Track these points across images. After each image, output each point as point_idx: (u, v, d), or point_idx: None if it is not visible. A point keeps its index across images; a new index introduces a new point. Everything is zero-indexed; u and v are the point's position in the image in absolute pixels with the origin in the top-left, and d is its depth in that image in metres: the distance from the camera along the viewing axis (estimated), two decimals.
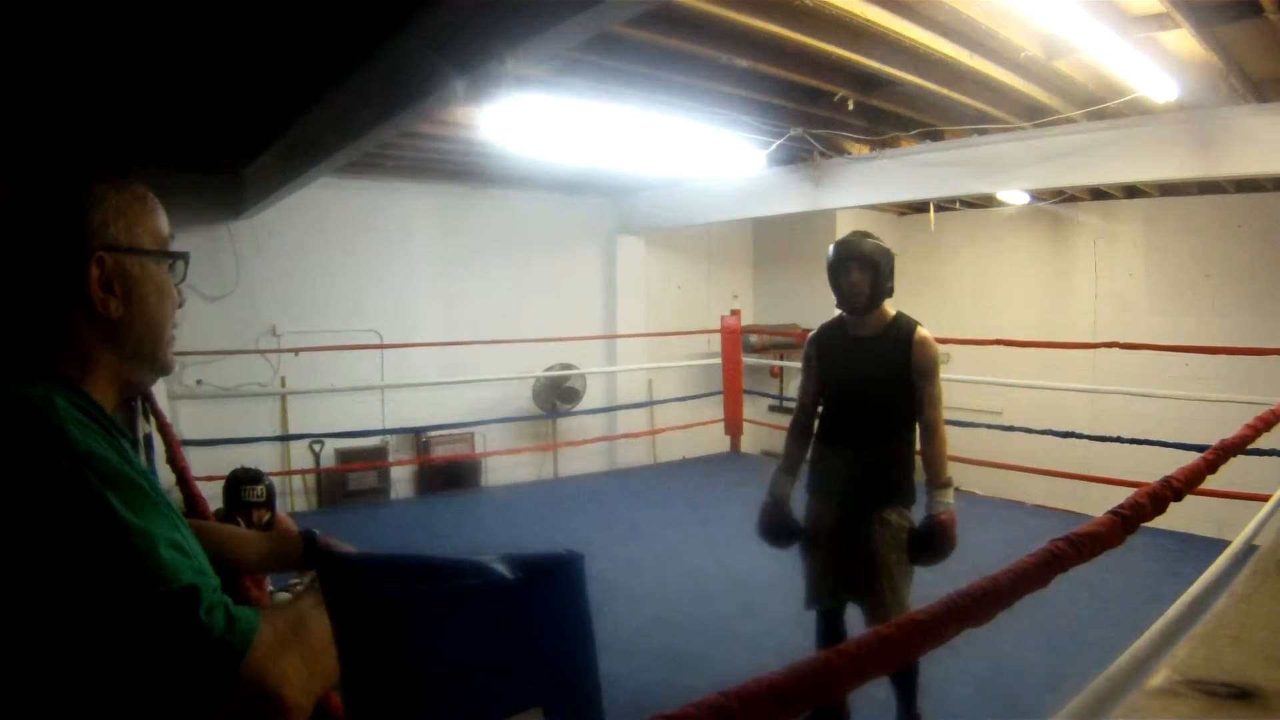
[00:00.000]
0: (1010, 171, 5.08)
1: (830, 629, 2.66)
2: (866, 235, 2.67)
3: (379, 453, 6.78)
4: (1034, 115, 4.64)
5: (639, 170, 6.32)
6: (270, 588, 2.62)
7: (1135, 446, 4.77)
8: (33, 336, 0.83)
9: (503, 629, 0.66)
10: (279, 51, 3.37)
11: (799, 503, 2.74)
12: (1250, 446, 1.97)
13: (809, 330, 2.90)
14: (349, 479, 6.52)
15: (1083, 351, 6.23)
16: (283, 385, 6.42)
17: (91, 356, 0.84)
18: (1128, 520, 1.23)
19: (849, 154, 5.73)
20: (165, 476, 3.91)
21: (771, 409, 8.34)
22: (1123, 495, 1.32)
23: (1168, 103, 4.00)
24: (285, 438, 6.29)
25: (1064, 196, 7.06)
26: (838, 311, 2.72)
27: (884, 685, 2.50)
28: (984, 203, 7.56)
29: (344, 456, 6.57)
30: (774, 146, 5.18)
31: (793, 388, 8.51)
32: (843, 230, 2.91)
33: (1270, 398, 2.87)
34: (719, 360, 7.55)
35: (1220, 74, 3.73)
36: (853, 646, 0.82)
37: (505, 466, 7.20)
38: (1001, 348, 5.63)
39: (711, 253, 8.83)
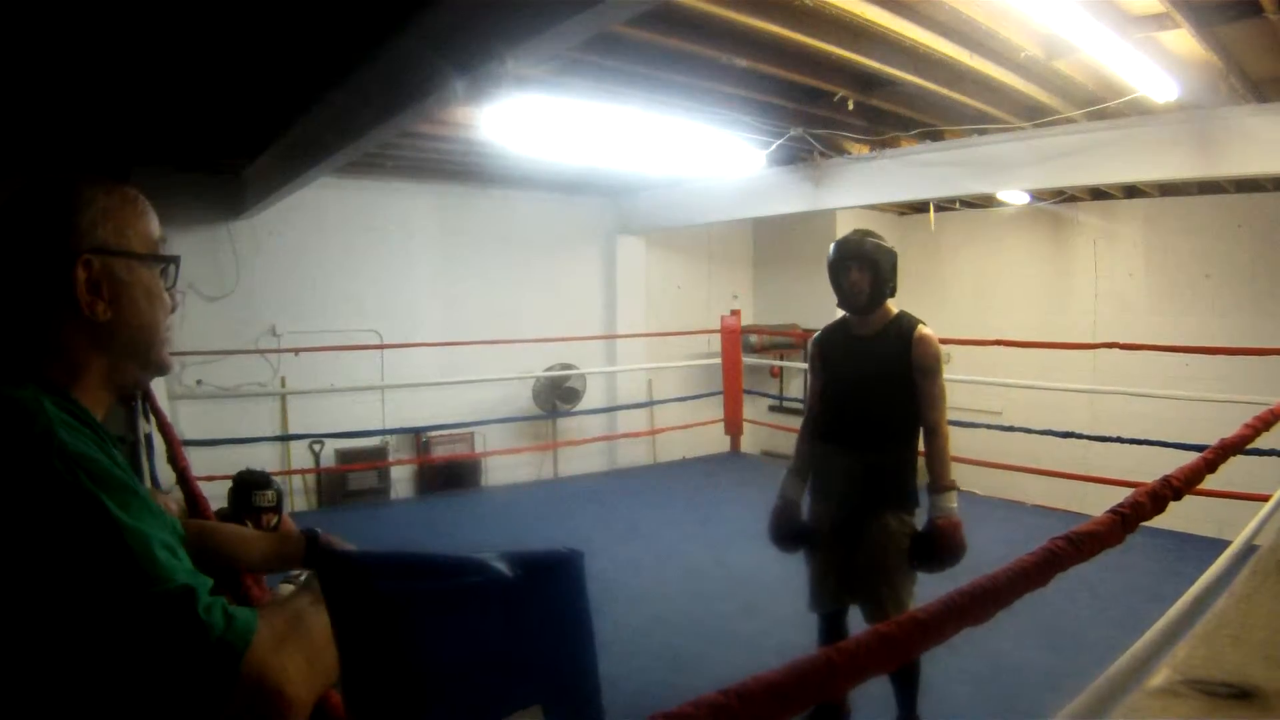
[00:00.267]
0: (1010, 171, 5.08)
1: (832, 632, 2.64)
2: (868, 234, 2.62)
3: (379, 453, 6.78)
4: (1034, 115, 4.64)
5: (639, 170, 6.32)
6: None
7: (1135, 446, 4.77)
8: (21, 341, 0.82)
9: (503, 627, 0.66)
10: (279, 51, 3.37)
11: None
12: (1250, 446, 1.97)
13: (809, 330, 2.89)
14: (349, 479, 6.52)
15: (1082, 352, 6.23)
16: (283, 385, 6.42)
17: (80, 361, 0.83)
18: (1127, 519, 1.23)
19: (849, 154, 5.73)
20: (166, 476, 3.92)
21: (771, 409, 8.35)
22: (1122, 495, 1.32)
23: (1168, 103, 4.00)
24: (285, 438, 6.29)
25: (1064, 196, 7.06)
26: (842, 311, 2.69)
27: (885, 684, 2.50)
28: (984, 203, 7.56)
29: (344, 456, 6.58)
30: (774, 146, 5.18)
31: (792, 388, 8.52)
32: (843, 230, 2.88)
33: (1270, 398, 2.87)
34: (719, 360, 7.55)
35: (1220, 74, 3.73)
36: (852, 645, 0.82)
37: (505, 466, 7.20)
38: (1001, 348, 5.63)
39: (711, 253, 8.83)
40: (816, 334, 2.81)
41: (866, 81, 4.35)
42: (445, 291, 7.12)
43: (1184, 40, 3.41)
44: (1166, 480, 1.42)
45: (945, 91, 4.20)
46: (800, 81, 4.26)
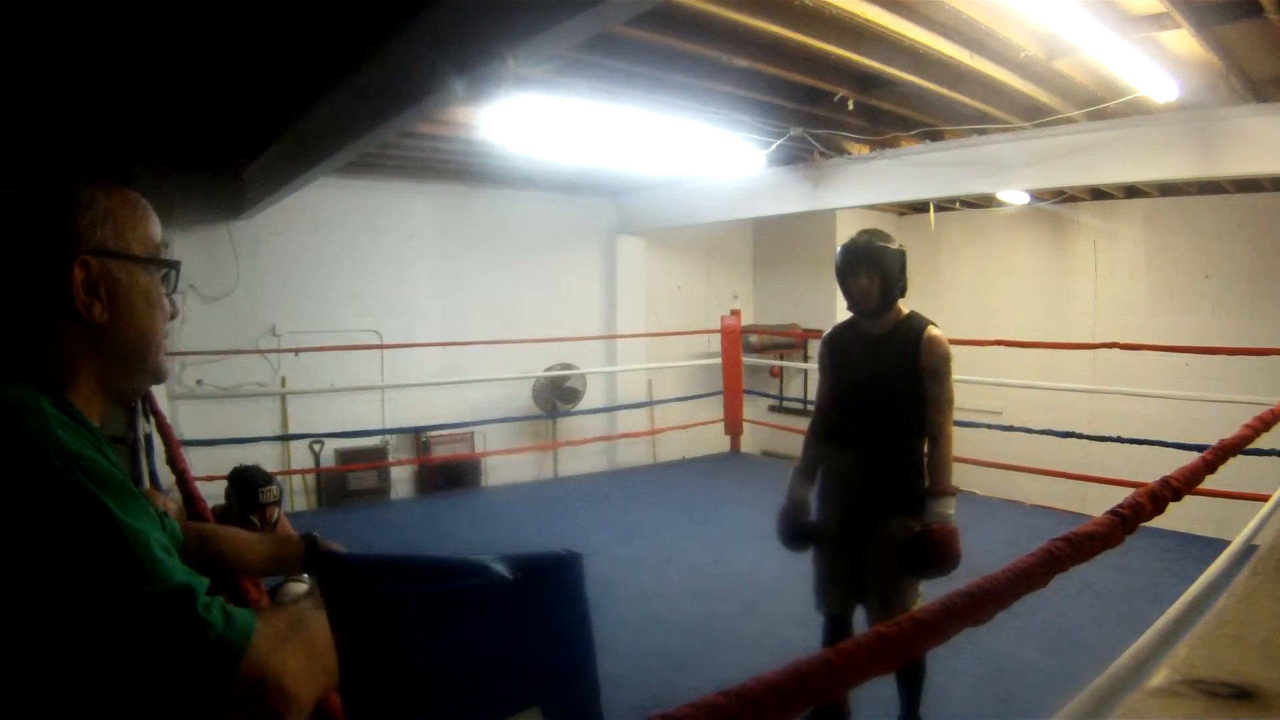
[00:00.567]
0: (1010, 171, 5.08)
1: (837, 633, 2.63)
2: (876, 235, 2.56)
3: (379, 453, 6.78)
4: (1034, 115, 4.63)
5: (639, 170, 6.32)
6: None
7: (1135, 446, 4.77)
8: (18, 340, 0.82)
9: (502, 629, 0.66)
10: (279, 51, 3.37)
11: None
12: (1250, 446, 1.98)
13: (809, 330, 2.88)
14: (349, 479, 6.52)
15: (1083, 351, 6.23)
16: (283, 385, 6.42)
17: (75, 363, 0.83)
18: (1127, 520, 1.23)
19: (849, 154, 5.73)
20: (165, 476, 3.92)
21: (771, 409, 8.35)
22: (1123, 495, 1.32)
23: (1168, 103, 3.99)
24: (285, 438, 6.29)
25: (1064, 196, 7.06)
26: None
27: (884, 685, 2.50)
28: (984, 203, 7.56)
29: (344, 456, 6.58)
30: (774, 146, 5.18)
31: (792, 388, 8.52)
32: (843, 230, 2.86)
33: (1270, 398, 2.87)
34: (719, 360, 7.55)
35: (1220, 74, 3.73)
36: (852, 646, 0.82)
37: (505, 466, 7.20)
38: (1001, 348, 5.63)
39: (711, 253, 8.83)
40: (826, 333, 2.77)
41: (866, 81, 4.35)
42: (445, 291, 7.12)
43: (1184, 40, 3.41)
44: (1166, 481, 1.42)
45: (945, 91, 4.20)
46: (800, 81, 4.26)
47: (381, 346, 6.63)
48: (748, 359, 7.77)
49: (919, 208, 7.56)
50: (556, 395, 7.18)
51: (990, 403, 6.81)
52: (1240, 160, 4.24)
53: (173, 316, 0.91)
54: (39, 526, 0.68)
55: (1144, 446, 4.66)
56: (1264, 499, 2.55)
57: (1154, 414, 5.56)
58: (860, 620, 2.62)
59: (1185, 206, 6.64)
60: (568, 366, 7.21)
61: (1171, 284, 6.77)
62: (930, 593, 2.45)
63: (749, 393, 7.75)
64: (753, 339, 8.18)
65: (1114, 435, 4.98)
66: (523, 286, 7.46)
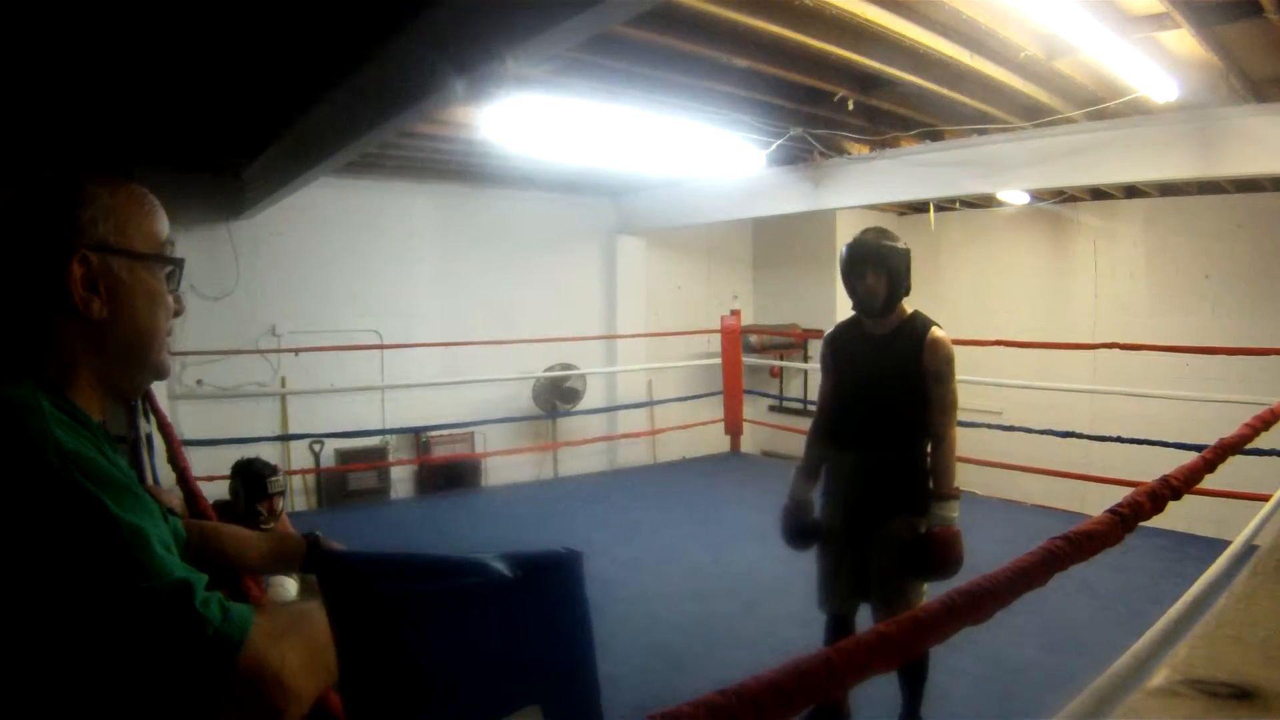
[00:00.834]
0: (1010, 171, 5.08)
1: (840, 632, 2.62)
2: (882, 234, 2.54)
3: (379, 453, 6.78)
4: (1034, 115, 4.63)
5: (639, 170, 6.32)
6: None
7: (1135, 446, 4.77)
8: (18, 337, 0.81)
9: (502, 628, 0.66)
10: (279, 51, 3.37)
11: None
12: (1250, 446, 1.97)
13: (809, 330, 2.87)
14: (349, 479, 6.52)
15: (1083, 351, 6.23)
16: (283, 385, 6.42)
17: (75, 360, 0.82)
18: (1126, 519, 1.23)
19: (849, 154, 5.73)
20: (166, 476, 3.92)
21: (771, 409, 8.35)
22: (1122, 495, 1.32)
23: (1168, 103, 3.99)
24: (285, 438, 6.29)
25: (1064, 196, 7.06)
26: (853, 310, 2.63)
27: (884, 685, 2.50)
28: (984, 203, 7.56)
29: (344, 456, 6.57)
30: (774, 146, 5.18)
31: (792, 388, 8.52)
32: (843, 230, 2.86)
33: (1270, 398, 2.87)
34: (719, 360, 7.55)
35: (1220, 74, 3.73)
36: (851, 645, 0.82)
37: (505, 466, 7.20)
38: (1001, 348, 5.63)
39: (711, 253, 8.83)
40: (828, 332, 2.76)
41: (866, 81, 4.35)
42: (445, 291, 7.12)
43: (1184, 40, 3.41)
44: (1166, 480, 1.42)
45: (945, 91, 4.20)
46: (800, 81, 4.26)
47: (381, 346, 6.63)
48: (748, 359, 7.77)
49: (919, 208, 7.56)
50: (556, 395, 7.18)
51: (990, 403, 6.81)
52: (1240, 160, 4.24)
53: (178, 313, 0.90)
54: (38, 525, 0.68)
55: (1144, 446, 4.66)
56: (1264, 499, 2.55)
57: (1154, 414, 5.55)
58: (864, 619, 2.62)
59: (1185, 206, 6.64)
60: (568, 366, 7.21)
61: (1171, 284, 6.77)
62: (932, 592, 2.45)
63: (749, 393, 7.75)
64: (753, 339, 8.18)
65: (1114, 435, 4.98)
66: (523, 286, 7.46)
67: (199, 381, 6.04)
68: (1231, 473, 1.96)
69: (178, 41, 3.18)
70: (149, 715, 0.70)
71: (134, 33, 3.07)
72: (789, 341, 8.29)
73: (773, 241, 8.90)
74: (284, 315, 6.38)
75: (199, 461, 3.84)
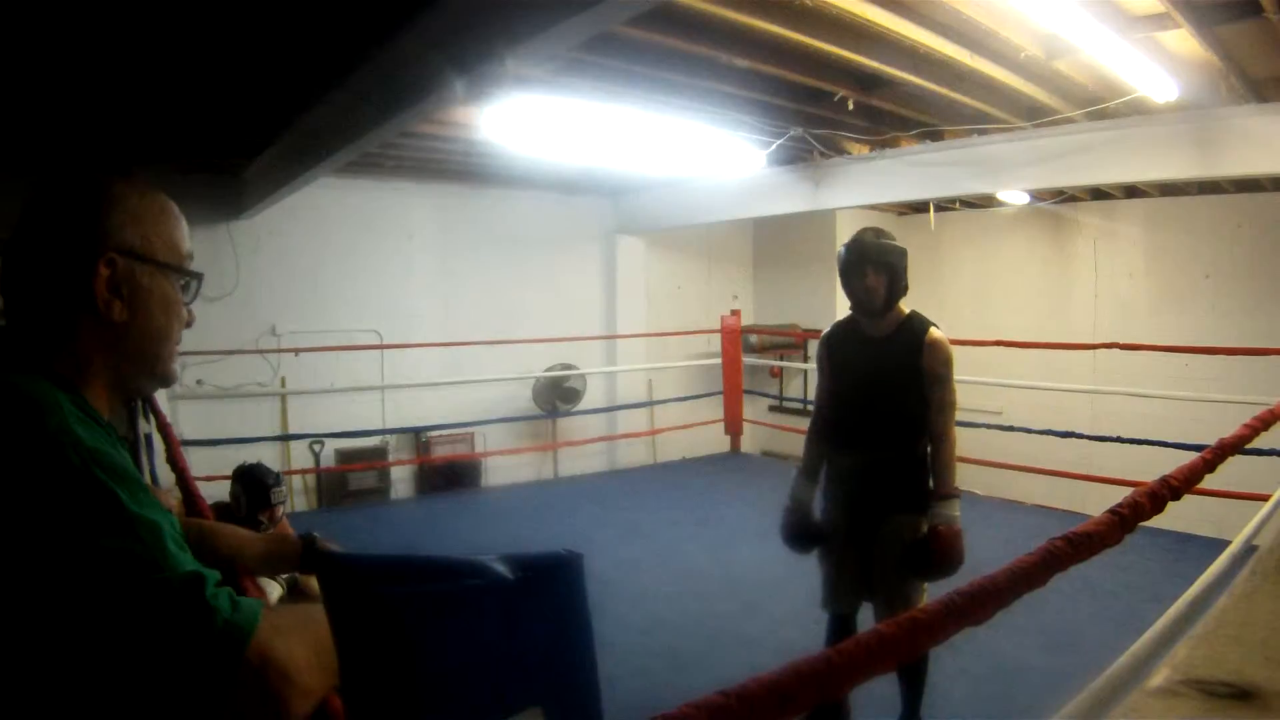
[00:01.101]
0: (1010, 171, 5.08)
1: (841, 632, 2.62)
2: (880, 233, 2.55)
3: (379, 453, 6.78)
4: (1034, 115, 4.64)
5: (639, 170, 6.32)
6: None
7: (1135, 446, 4.77)
8: (35, 332, 0.83)
9: (502, 629, 0.66)
10: (280, 51, 3.37)
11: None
12: (1249, 446, 1.97)
13: (809, 330, 2.87)
14: (349, 479, 6.52)
15: (1083, 352, 6.23)
16: (283, 385, 6.42)
17: (89, 359, 0.84)
18: (1126, 520, 1.22)
19: (849, 154, 5.73)
20: (165, 476, 3.91)
21: (771, 409, 8.35)
22: (1123, 495, 1.32)
23: (1168, 103, 3.99)
24: (285, 438, 6.29)
25: (1064, 196, 7.06)
26: (849, 310, 2.64)
27: (885, 685, 2.50)
28: (984, 203, 7.56)
29: (344, 456, 6.57)
30: (774, 146, 5.18)
31: (792, 388, 8.52)
32: (843, 230, 2.85)
33: (1270, 398, 2.87)
34: (719, 360, 7.55)
35: (1220, 74, 3.73)
36: (852, 645, 0.82)
37: (505, 466, 7.20)
38: (1001, 348, 5.63)
39: (711, 253, 8.83)
40: (824, 333, 2.76)
41: (866, 81, 4.35)
42: (445, 291, 7.12)
43: (1184, 40, 3.41)
44: (1165, 480, 1.41)
45: (945, 91, 4.20)
46: (800, 81, 4.26)
47: (381, 346, 6.63)
48: (748, 359, 7.78)
49: (919, 208, 7.56)
50: (556, 395, 7.18)
51: (990, 403, 6.81)
52: (1240, 160, 4.23)
53: (188, 325, 0.92)
54: (56, 520, 0.70)
55: (1144, 446, 4.66)
56: (1264, 499, 2.55)
57: (1154, 414, 5.56)
58: (865, 619, 2.62)
59: (1185, 206, 6.64)
60: (568, 366, 7.21)
61: (1171, 284, 6.77)
62: (934, 592, 2.45)
63: (749, 393, 7.75)
64: (753, 339, 8.18)
65: (1114, 435, 4.98)
66: (523, 286, 7.46)
67: (199, 381, 6.04)
68: (1231, 473, 1.96)
69: (178, 41, 3.18)
70: (159, 703, 0.71)
71: (134, 32, 3.07)
72: (789, 341, 8.29)
73: (773, 241, 8.90)
74: (284, 315, 6.38)
75: (199, 462, 3.85)
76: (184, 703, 0.70)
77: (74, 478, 0.71)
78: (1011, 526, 4.75)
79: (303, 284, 6.48)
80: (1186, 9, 3.09)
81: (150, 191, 0.89)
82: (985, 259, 7.97)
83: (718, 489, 6.36)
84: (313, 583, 1.17)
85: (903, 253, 2.52)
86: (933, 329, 2.50)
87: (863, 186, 5.85)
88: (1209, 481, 1.65)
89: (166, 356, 0.90)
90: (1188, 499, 1.48)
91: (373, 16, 3.02)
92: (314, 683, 0.73)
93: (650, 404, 7.89)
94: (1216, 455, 1.70)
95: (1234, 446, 1.80)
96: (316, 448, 6.44)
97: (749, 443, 7.85)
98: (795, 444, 2.85)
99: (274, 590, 2.52)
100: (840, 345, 2.67)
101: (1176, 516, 1.71)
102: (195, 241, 0.93)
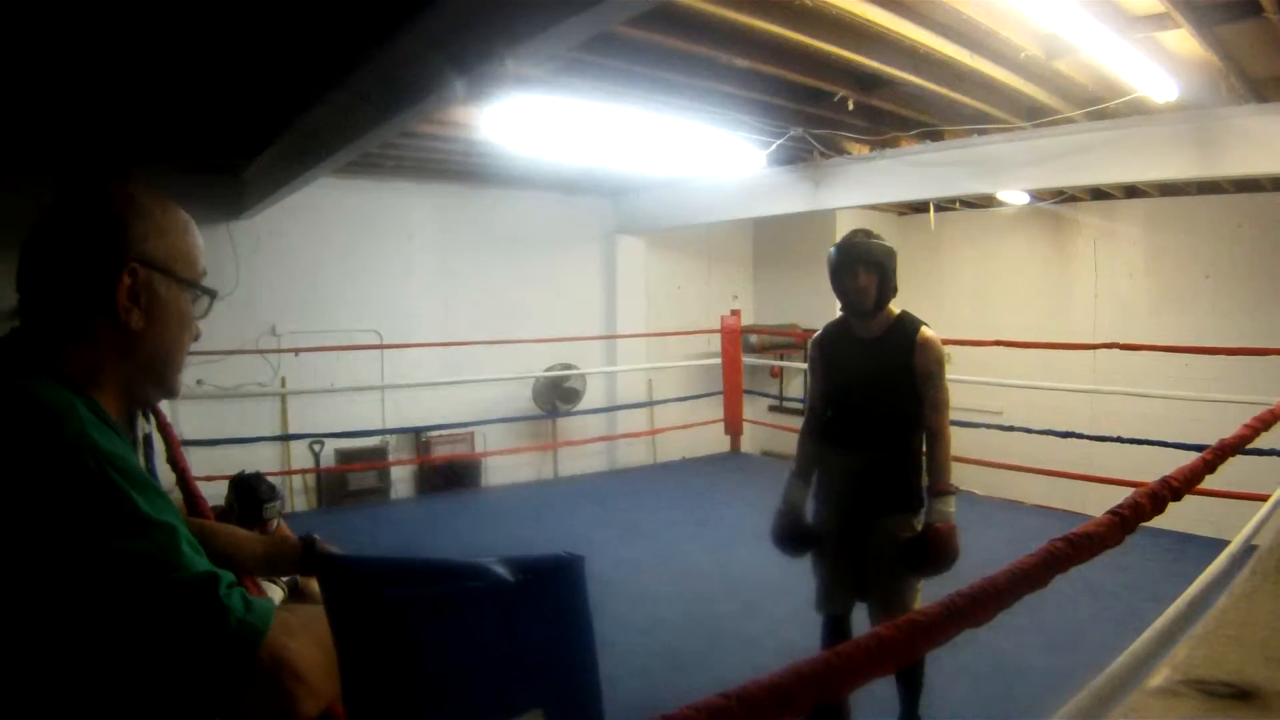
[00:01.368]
0: (1010, 171, 5.08)
1: (837, 633, 2.63)
2: (869, 234, 2.58)
3: (379, 453, 6.78)
4: (1034, 115, 4.64)
5: (639, 170, 6.32)
6: None
7: (1136, 446, 4.77)
8: (49, 334, 0.84)
9: (503, 631, 0.66)
10: (280, 51, 3.37)
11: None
12: (1249, 446, 1.97)
13: (809, 330, 2.87)
14: (349, 479, 6.52)
15: (1083, 352, 6.23)
16: (283, 385, 6.42)
17: (103, 365, 0.85)
18: (1126, 520, 1.22)
19: (849, 154, 5.73)
20: (165, 476, 3.91)
21: (771, 409, 8.35)
22: (1123, 495, 1.32)
23: (1168, 103, 3.99)
24: (285, 438, 6.29)
25: (1064, 196, 7.06)
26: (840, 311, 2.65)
27: (885, 685, 2.50)
28: (984, 203, 7.56)
29: (344, 456, 6.57)
30: (774, 146, 5.18)
31: (792, 388, 8.52)
32: (843, 230, 2.84)
33: (1270, 398, 2.87)
34: (719, 360, 7.55)
35: (1220, 74, 3.73)
36: (851, 647, 0.82)
37: (505, 466, 7.20)
38: (1001, 348, 5.63)
39: (711, 253, 8.83)
40: (815, 334, 2.77)
41: (866, 81, 4.35)
42: (445, 291, 7.12)
43: (1184, 40, 3.41)
44: (1166, 481, 1.42)
45: (945, 91, 4.20)
46: (800, 81, 4.26)
47: (381, 346, 6.63)
48: (748, 359, 7.78)
49: (919, 208, 7.56)
50: (556, 395, 7.18)
51: (990, 403, 6.81)
52: (1240, 160, 4.23)
53: (195, 338, 0.95)
54: (75, 522, 0.71)
55: (1144, 447, 4.66)
56: (1263, 499, 2.55)
57: (1154, 414, 5.56)
58: (860, 619, 2.62)
59: (1185, 206, 6.64)
60: (568, 366, 7.21)
61: (1171, 284, 6.77)
62: (932, 591, 2.46)
63: (749, 393, 7.75)
64: (753, 339, 8.19)
65: (1114, 435, 4.98)
66: (523, 286, 7.46)
67: (199, 381, 6.03)
68: (1231, 473, 1.96)
69: (178, 41, 3.18)
70: (174, 702, 0.72)
71: (134, 31, 3.07)
72: (789, 341, 8.29)
73: (773, 241, 8.90)
74: (284, 315, 6.38)
75: (199, 462, 3.84)
76: (198, 702, 0.72)
77: (90, 481, 0.72)
78: (1011, 527, 4.75)
79: (303, 284, 6.48)
80: (1186, 9, 3.09)
81: (173, 207, 0.91)
82: (985, 259, 7.97)
83: (718, 489, 6.35)
84: (313, 585, 1.18)
85: (892, 253, 2.54)
86: (924, 328, 2.52)
87: (863, 186, 5.85)
88: (1209, 482, 1.65)
89: (174, 368, 0.93)
90: (1188, 499, 1.48)
91: (373, 16, 3.02)
92: (324, 686, 0.74)
93: (650, 404, 7.89)
94: (1217, 456, 1.70)
95: (1234, 447, 1.80)
96: (316, 448, 6.44)
97: (749, 443, 7.85)
98: (795, 444, 2.85)
99: (275, 593, 2.52)
100: (832, 346, 2.68)
101: (1176, 517, 1.71)
102: None
